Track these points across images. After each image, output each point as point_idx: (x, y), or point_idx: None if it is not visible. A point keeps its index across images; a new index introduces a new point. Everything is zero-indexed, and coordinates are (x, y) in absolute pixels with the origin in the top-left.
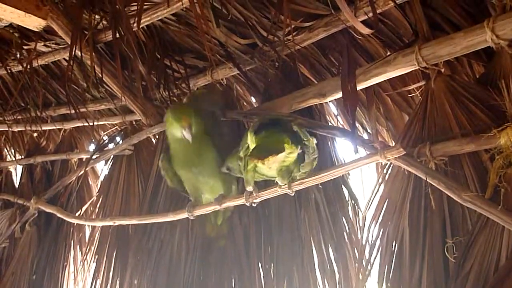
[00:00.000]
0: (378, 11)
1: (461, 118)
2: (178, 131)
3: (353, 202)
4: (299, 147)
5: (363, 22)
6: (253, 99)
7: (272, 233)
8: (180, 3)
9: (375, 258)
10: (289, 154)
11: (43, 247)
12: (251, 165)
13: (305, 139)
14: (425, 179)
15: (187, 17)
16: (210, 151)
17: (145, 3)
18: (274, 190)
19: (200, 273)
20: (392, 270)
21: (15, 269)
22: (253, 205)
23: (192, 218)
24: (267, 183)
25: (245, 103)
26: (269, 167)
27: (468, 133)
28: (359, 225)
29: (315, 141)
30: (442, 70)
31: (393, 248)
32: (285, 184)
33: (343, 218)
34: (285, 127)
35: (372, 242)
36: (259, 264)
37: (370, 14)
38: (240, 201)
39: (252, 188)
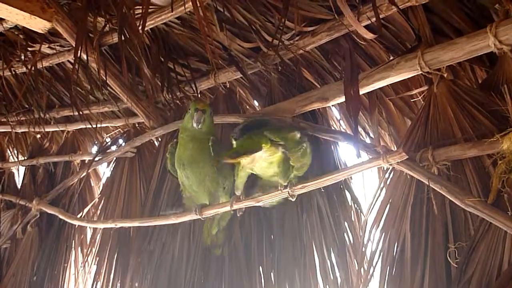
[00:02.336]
0: (381, 16)
1: (463, 123)
2: (189, 117)
3: (355, 206)
4: (280, 147)
5: (366, 27)
6: (256, 103)
7: (274, 237)
8: (184, 7)
9: (376, 262)
10: (272, 154)
11: (44, 249)
12: (240, 170)
13: (284, 136)
14: (427, 183)
15: (191, 21)
16: (208, 154)
17: (150, 7)
18: (276, 193)
19: (201, 277)
20: (393, 275)
21: (16, 270)
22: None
23: (203, 218)
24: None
25: (248, 107)
26: (251, 167)
27: (470, 138)
28: (361, 229)
29: (298, 134)
30: (445, 75)
31: (394, 253)
32: (287, 189)
33: (345, 223)
34: (270, 126)
35: (374, 246)
36: (260, 269)
37: (373, 19)
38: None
39: (240, 193)
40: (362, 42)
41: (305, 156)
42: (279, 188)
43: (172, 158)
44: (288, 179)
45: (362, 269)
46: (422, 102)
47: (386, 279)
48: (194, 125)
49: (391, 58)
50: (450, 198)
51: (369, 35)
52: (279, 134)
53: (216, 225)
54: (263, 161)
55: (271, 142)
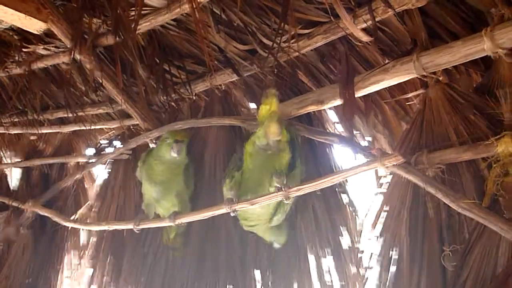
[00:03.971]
0: (377, 19)
1: (458, 127)
2: (167, 146)
3: (351, 209)
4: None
5: (362, 30)
6: (251, 105)
7: None
8: (180, 8)
9: (373, 266)
10: (283, 153)
11: (38, 251)
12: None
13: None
14: (423, 186)
15: (187, 23)
16: (179, 176)
17: (146, 8)
18: (272, 195)
19: (195, 280)
20: (390, 278)
21: (9, 272)
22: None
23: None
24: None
25: (243, 109)
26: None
27: (465, 141)
28: (357, 233)
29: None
30: (440, 79)
31: (390, 256)
32: (282, 191)
33: (341, 226)
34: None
35: (370, 250)
36: (256, 272)
37: (369, 22)
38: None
39: (233, 194)
40: (358, 45)
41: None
42: (274, 190)
43: (143, 166)
44: (282, 181)
45: (358, 272)
46: (418, 105)
47: (382, 281)
48: (175, 155)
49: (387, 61)
50: (445, 201)
51: (365, 38)
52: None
53: (174, 230)
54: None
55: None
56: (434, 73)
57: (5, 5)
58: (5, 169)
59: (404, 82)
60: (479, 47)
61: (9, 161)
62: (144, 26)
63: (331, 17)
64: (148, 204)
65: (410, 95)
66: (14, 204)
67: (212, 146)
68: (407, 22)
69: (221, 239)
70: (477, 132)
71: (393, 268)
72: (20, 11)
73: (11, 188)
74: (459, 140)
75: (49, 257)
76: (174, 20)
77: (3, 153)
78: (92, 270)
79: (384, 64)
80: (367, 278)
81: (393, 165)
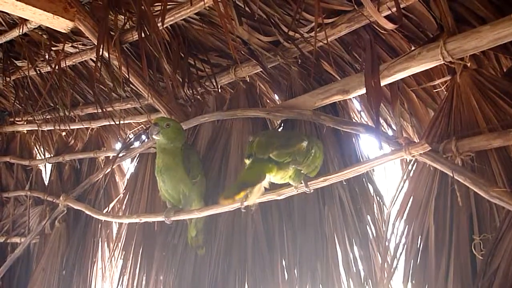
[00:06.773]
0: (401, 6)
1: (488, 113)
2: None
3: (378, 199)
4: (289, 165)
5: (386, 17)
6: (276, 97)
7: (296, 230)
8: (203, 2)
9: (400, 255)
10: (284, 176)
11: (72, 243)
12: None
13: (292, 151)
14: (451, 175)
15: (210, 16)
16: (179, 164)
17: (169, 3)
18: (299, 186)
19: (224, 270)
20: (417, 268)
21: (45, 264)
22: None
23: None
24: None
25: (268, 101)
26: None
27: (495, 128)
28: (384, 222)
29: (305, 143)
30: (468, 64)
31: (418, 245)
32: (301, 184)
33: (368, 215)
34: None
35: (397, 239)
36: (283, 261)
37: (394, 9)
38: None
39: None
40: (383, 33)
41: (315, 160)
42: (294, 187)
43: None
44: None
45: (385, 262)
46: (445, 92)
47: (410, 272)
48: (151, 137)
49: (413, 48)
50: (475, 190)
51: (389, 26)
52: (287, 150)
53: (194, 227)
54: (276, 180)
55: (277, 166)
56: (462, 59)
57: (34, 6)
58: (39, 165)
59: (430, 69)
60: (508, 31)
61: (42, 157)
62: (167, 20)
63: (355, 6)
64: (163, 195)
65: (437, 82)
66: (49, 198)
67: (237, 138)
68: (433, 7)
69: (247, 230)
70: (508, 119)
71: (420, 258)
72: (48, 11)
73: (46, 183)
74: (488, 127)
75: (83, 249)
76: (197, 14)
77: (37, 149)
78: (124, 261)
79: (410, 51)
80: (394, 267)
81: (420, 153)
